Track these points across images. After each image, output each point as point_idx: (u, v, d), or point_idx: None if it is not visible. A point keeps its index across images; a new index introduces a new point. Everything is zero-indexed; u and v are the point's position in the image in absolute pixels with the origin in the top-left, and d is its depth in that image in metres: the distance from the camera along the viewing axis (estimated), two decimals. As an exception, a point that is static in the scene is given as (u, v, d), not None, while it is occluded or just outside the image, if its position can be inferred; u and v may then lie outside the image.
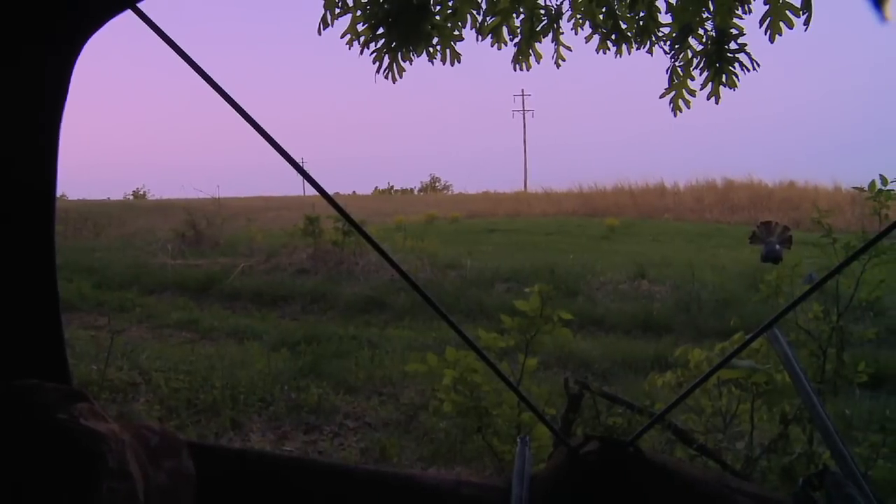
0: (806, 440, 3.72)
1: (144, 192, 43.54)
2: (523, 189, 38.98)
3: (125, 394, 6.77)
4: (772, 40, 3.01)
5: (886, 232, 1.82)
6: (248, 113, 1.22)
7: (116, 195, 37.78)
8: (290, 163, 1.27)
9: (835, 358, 4.20)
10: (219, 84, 1.21)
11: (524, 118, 52.78)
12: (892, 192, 4.13)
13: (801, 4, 2.90)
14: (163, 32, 1.19)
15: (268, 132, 1.23)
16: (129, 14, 1.23)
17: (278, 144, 1.23)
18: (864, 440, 3.85)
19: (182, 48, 1.20)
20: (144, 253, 15.94)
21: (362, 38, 3.24)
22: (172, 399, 6.70)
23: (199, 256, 15.49)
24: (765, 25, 3.00)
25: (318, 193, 1.33)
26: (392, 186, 52.64)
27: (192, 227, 17.39)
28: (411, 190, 52.57)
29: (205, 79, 1.21)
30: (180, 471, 1.29)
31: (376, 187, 51.98)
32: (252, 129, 1.24)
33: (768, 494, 1.43)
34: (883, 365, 6.96)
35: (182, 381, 7.11)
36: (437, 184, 55.46)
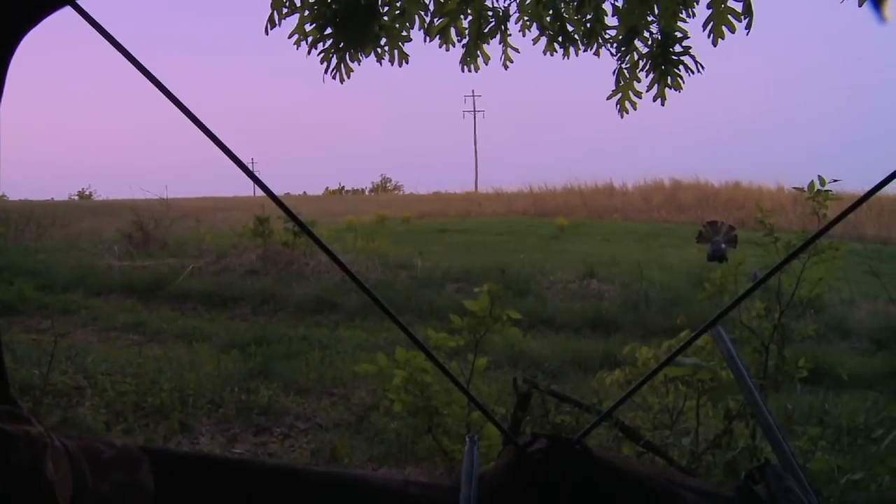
0: (749, 435, 3.79)
1: (90, 192, 42.77)
2: (474, 189, 39.24)
3: (69, 398, 6.61)
4: (715, 44, 3.08)
5: (823, 232, 1.88)
6: (192, 112, 1.21)
7: (61, 195, 37.02)
8: (235, 163, 1.26)
9: (777, 354, 4.29)
10: (162, 83, 1.20)
11: (475, 119, 53.23)
12: (829, 192, 4.23)
13: (743, 9, 2.97)
14: (104, 30, 1.17)
15: (212, 132, 1.21)
16: (69, 10, 1.21)
17: (223, 144, 1.22)
18: (804, 434, 3.95)
19: (124, 46, 1.18)
20: (90, 254, 15.62)
21: (310, 38, 3.22)
22: (119, 402, 6.57)
23: (146, 258, 15.25)
24: (708, 29, 3.06)
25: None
26: (343, 187, 52.59)
27: (139, 227, 17.13)
28: (362, 190, 52.57)
29: (148, 77, 1.20)
30: (133, 485, 1.27)
31: (327, 188, 51.91)
32: (197, 129, 1.22)
33: (712, 489, 1.46)
34: (822, 360, 7.14)
35: (129, 385, 6.97)
36: (388, 184, 55.54)
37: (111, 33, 1.18)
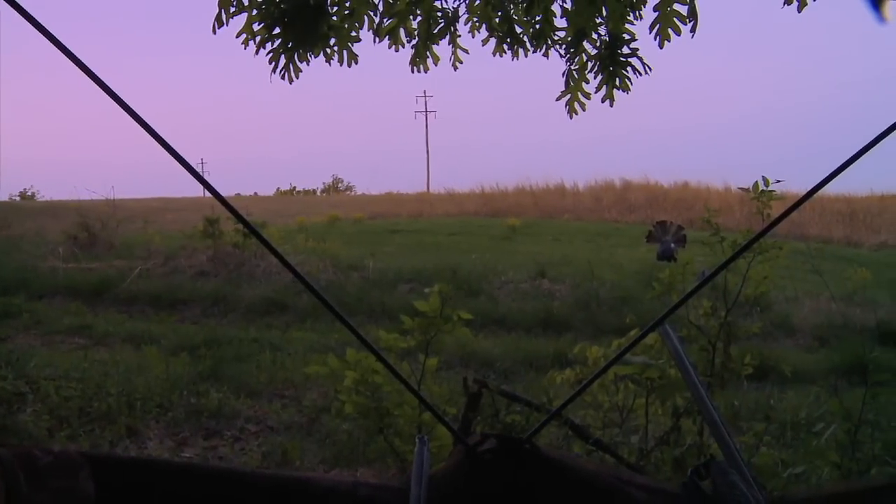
0: (696, 432, 3.85)
1: (33, 192, 41.71)
2: (426, 190, 39.26)
3: (9, 405, 6.43)
4: (661, 46, 3.12)
5: (766, 231, 1.91)
6: (135, 111, 1.18)
7: (1, 196, 36.03)
8: (180, 163, 1.24)
9: (723, 352, 4.35)
10: (103, 81, 1.17)
11: (426, 119, 53.29)
12: (773, 192, 4.30)
13: (688, 12, 3.02)
14: (42, 26, 1.14)
15: (156, 131, 1.19)
16: (3, 6, 1.17)
17: (167, 144, 1.20)
18: (750, 429, 4.02)
19: (63, 43, 1.16)
20: (33, 256, 15.21)
21: (258, 38, 3.19)
22: (63, 408, 6.41)
23: (92, 259, 14.93)
24: (654, 31, 3.10)
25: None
26: (294, 187, 52.21)
27: (85, 228, 16.74)
28: (314, 191, 52.22)
29: (88, 74, 1.17)
30: (73, 492, 1.24)
31: (278, 188, 51.49)
32: (142, 128, 1.20)
33: (659, 485, 1.48)
34: (767, 357, 7.29)
35: (74, 389, 6.81)
36: (340, 185, 55.30)
37: (50, 30, 1.15)
